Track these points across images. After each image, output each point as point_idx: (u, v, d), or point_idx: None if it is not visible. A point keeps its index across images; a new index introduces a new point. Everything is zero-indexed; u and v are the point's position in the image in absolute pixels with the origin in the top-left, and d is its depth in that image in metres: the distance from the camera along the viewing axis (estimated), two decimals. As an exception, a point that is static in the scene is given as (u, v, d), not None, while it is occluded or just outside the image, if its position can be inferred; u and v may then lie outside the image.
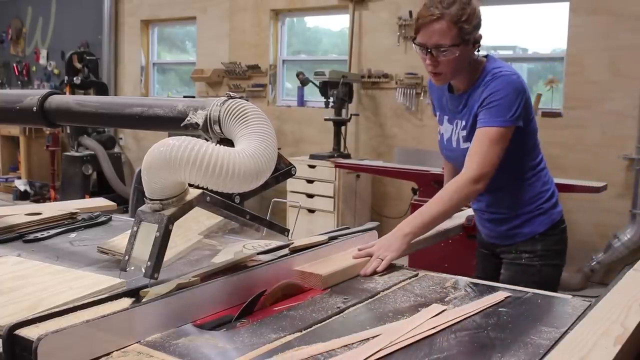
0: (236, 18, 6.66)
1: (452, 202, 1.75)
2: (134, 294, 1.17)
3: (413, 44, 1.82)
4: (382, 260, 1.58)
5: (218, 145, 1.16)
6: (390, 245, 1.63)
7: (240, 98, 1.31)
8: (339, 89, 5.20)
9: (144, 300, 1.14)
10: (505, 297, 1.37)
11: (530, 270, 1.90)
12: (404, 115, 5.61)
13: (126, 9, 7.68)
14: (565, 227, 1.98)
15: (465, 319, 1.23)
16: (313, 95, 6.07)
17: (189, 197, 1.22)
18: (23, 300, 1.19)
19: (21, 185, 7.59)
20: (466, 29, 1.74)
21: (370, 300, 1.36)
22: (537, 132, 1.92)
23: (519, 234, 1.93)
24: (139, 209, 1.22)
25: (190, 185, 1.22)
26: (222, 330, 1.16)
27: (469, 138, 1.85)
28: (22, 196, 7.47)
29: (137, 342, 1.08)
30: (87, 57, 7.09)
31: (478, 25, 1.79)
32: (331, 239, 1.68)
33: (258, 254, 1.51)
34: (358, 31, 5.81)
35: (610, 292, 1.24)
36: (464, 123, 1.88)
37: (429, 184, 4.01)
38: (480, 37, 1.81)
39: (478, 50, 1.84)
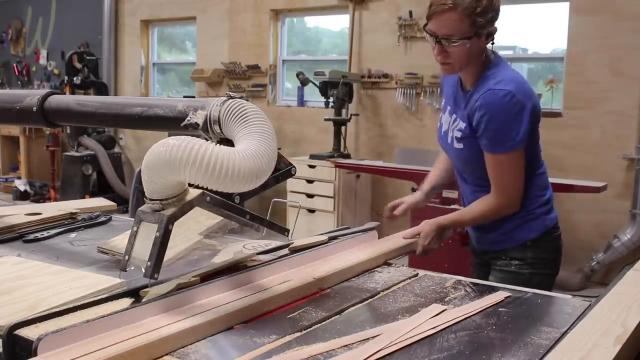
0: (236, 18, 6.66)
1: (488, 219, 1.84)
2: (134, 294, 1.18)
3: (424, 30, 1.75)
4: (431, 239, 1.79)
5: (218, 145, 1.16)
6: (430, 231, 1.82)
7: (240, 98, 1.31)
8: (339, 89, 5.20)
9: (144, 300, 1.14)
10: (505, 297, 1.37)
11: (519, 279, 1.76)
12: (404, 115, 5.61)
13: (126, 9, 7.68)
14: (560, 235, 1.89)
15: (465, 319, 1.23)
16: (313, 95, 6.07)
17: (189, 197, 1.22)
18: (23, 300, 1.19)
19: (21, 185, 7.59)
20: (480, 22, 1.67)
21: (370, 300, 1.36)
22: (539, 138, 1.85)
23: (509, 240, 1.86)
24: (139, 209, 1.22)
25: (190, 185, 1.22)
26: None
27: (461, 141, 1.82)
28: (22, 196, 7.47)
29: (137, 342, 1.08)
30: (87, 57, 7.10)
31: (494, 18, 1.71)
32: (331, 239, 1.68)
33: (258, 254, 1.51)
34: (358, 31, 5.81)
35: (610, 292, 1.24)
36: (459, 124, 1.82)
37: (429, 184, 3.99)
38: (495, 29, 1.74)
39: (493, 43, 1.78)
